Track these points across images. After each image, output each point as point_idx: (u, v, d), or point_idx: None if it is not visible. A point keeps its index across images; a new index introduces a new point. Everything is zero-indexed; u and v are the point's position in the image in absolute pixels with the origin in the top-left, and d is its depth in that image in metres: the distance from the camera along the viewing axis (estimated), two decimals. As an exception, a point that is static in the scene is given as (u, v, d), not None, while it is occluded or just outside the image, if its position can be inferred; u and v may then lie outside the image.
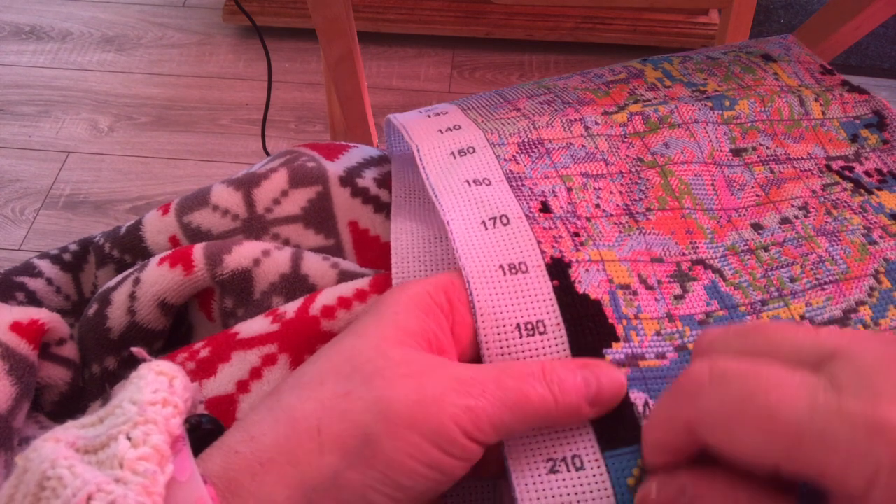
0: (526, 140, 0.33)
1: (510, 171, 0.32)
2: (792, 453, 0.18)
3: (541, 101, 0.37)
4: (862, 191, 0.33)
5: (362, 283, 0.30)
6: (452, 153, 0.33)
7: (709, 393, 0.20)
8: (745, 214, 0.32)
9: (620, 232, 0.30)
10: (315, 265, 0.32)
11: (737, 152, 0.35)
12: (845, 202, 0.33)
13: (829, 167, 0.35)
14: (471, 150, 0.33)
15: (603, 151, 0.33)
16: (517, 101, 0.37)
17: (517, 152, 0.33)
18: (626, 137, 0.34)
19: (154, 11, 1.29)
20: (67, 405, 0.32)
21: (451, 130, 0.34)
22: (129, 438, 0.19)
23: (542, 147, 0.33)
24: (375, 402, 0.22)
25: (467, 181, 0.31)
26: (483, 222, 0.29)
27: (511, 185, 0.31)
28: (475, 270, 0.27)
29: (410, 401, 0.22)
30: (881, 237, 0.31)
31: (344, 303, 0.30)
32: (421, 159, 0.32)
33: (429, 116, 0.36)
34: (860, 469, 0.17)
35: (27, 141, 1.11)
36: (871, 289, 0.29)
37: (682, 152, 0.34)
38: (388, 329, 0.24)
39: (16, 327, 0.29)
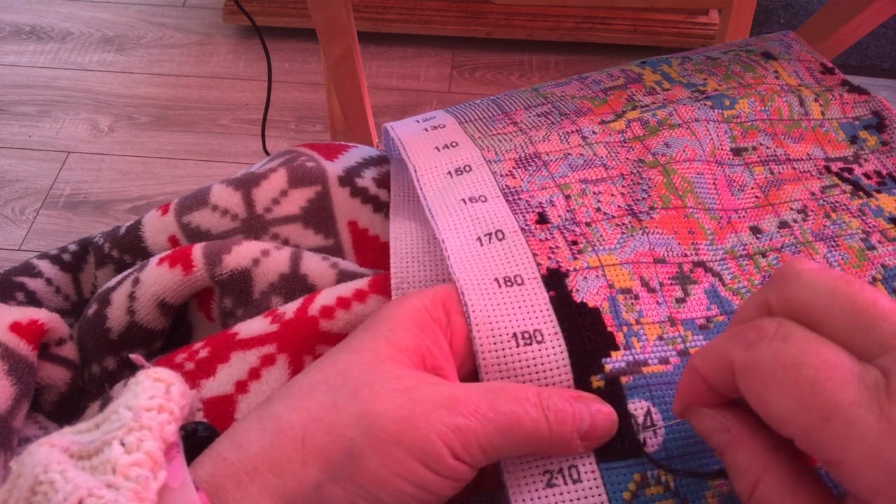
0: (522, 155, 0.33)
1: (506, 186, 0.32)
2: (814, 431, 0.18)
3: (538, 112, 0.37)
4: (861, 193, 0.33)
5: (361, 283, 0.30)
6: (449, 172, 0.33)
7: (765, 345, 0.19)
8: (744, 216, 0.32)
9: (623, 233, 0.30)
10: (314, 265, 0.32)
11: (737, 151, 0.34)
12: (844, 205, 0.33)
13: (828, 169, 0.34)
14: (467, 168, 0.33)
15: (602, 157, 0.33)
16: (514, 113, 0.37)
17: (514, 167, 0.33)
18: (625, 143, 0.34)
19: (154, 11, 1.29)
20: (67, 405, 0.32)
21: (448, 148, 0.34)
22: (122, 444, 0.19)
23: (538, 160, 0.33)
24: (362, 415, 0.22)
25: (463, 199, 0.31)
26: (478, 238, 0.29)
27: (507, 200, 0.31)
28: (469, 283, 0.27)
29: (398, 416, 0.21)
30: (880, 242, 0.31)
31: (343, 303, 0.30)
32: (418, 180, 0.32)
33: (426, 130, 0.36)
34: (876, 475, 0.17)
35: (27, 141, 1.11)
36: None
37: (684, 150, 0.34)
38: (380, 344, 0.24)
39: (15, 327, 0.29)
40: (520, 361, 0.25)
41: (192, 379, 0.29)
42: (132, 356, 0.25)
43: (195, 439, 0.23)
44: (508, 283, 0.27)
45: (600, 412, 0.24)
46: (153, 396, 0.20)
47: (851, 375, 0.18)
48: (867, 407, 0.17)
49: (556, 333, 0.26)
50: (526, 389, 0.24)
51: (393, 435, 0.21)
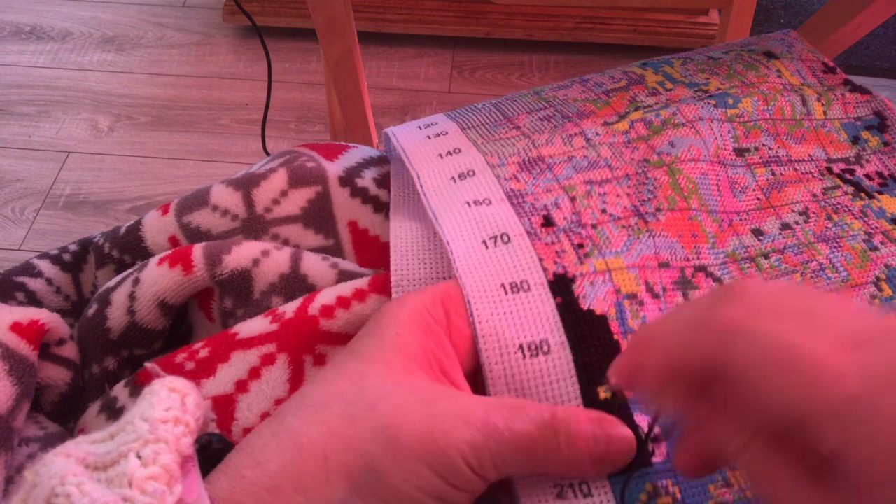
0: (526, 159, 0.33)
1: (511, 189, 0.31)
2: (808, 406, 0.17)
3: (540, 116, 0.37)
4: (863, 194, 0.33)
5: (361, 283, 0.30)
6: (453, 178, 0.33)
7: (743, 339, 0.19)
8: (746, 219, 0.32)
9: (629, 235, 0.30)
10: (314, 265, 0.32)
11: (740, 152, 0.34)
12: (846, 206, 0.33)
13: (829, 170, 0.34)
14: (471, 173, 0.33)
15: (606, 158, 0.33)
16: (517, 118, 0.37)
17: (518, 171, 0.32)
18: (629, 143, 0.34)
19: (154, 11, 1.29)
20: (67, 405, 0.32)
21: (451, 154, 0.34)
22: (139, 457, 0.19)
23: (542, 163, 0.33)
24: (382, 430, 0.22)
25: (467, 202, 0.31)
26: (484, 242, 0.29)
27: (512, 203, 0.31)
28: (476, 290, 0.27)
29: (419, 432, 0.21)
30: (882, 243, 0.31)
31: (343, 302, 0.30)
32: (422, 186, 0.32)
33: (429, 138, 0.36)
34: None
35: (27, 141, 1.11)
36: (873, 296, 0.29)
37: (689, 150, 0.33)
38: (392, 354, 0.24)
39: (16, 328, 0.29)
40: (526, 373, 0.25)
41: (193, 378, 0.29)
42: (148, 365, 0.25)
43: (209, 451, 0.23)
44: (515, 290, 0.27)
45: (618, 436, 0.23)
46: (169, 408, 0.20)
47: (833, 351, 0.18)
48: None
49: (562, 343, 0.26)
50: (543, 410, 0.23)
51: (414, 451, 0.21)
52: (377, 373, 0.23)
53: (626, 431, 0.24)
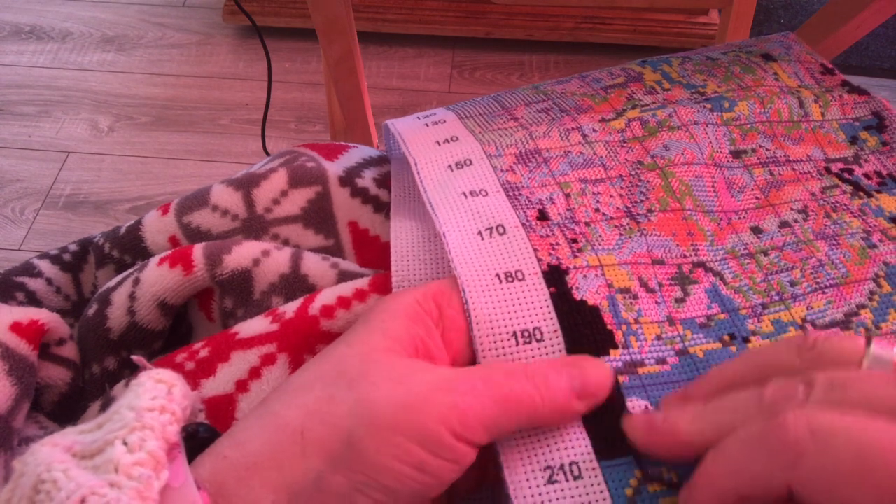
0: (523, 151, 0.33)
1: (507, 181, 0.32)
2: None
3: (538, 108, 0.37)
4: (861, 193, 0.33)
5: (362, 283, 0.30)
6: (450, 166, 0.33)
7: (814, 454, 0.18)
8: (744, 217, 0.32)
9: (621, 234, 0.30)
10: (315, 265, 0.32)
11: (736, 154, 0.35)
12: (844, 205, 0.33)
13: (828, 169, 0.35)
14: (468, 162, 0.33)
15: (601, 157, 0.33)
16: (515, 109, 0.37)
17: (514, 163, 0.33)
18: (624, 143, 0.34)
19: (154, 11, 1.29)
20: (68, 405, 0.32)
21: (448, 142, 0.34)
22: (125, 444, 0.19)
23: (539, 157, 0.33)
24: (358, 403, 0.22)
25: (464, 193, 0.31)
26: (479, 233, 0.29)
27: (508, 195, 0.31)
28: (470, 278, 0.27)
29: (395, 403, 0.22)
30: (881, 241, 0.31)
31: (343, 302, 0.30)
32: (419, 173, 0.32)
33: (427, 126, 0.36)
34: None
35: (27, 141, 1.11)
36: (872, 292, 0.29)
37: (683, 154, 0.34)
38: (375, 337, 0.24)
39: (16, 328, 0.29)
40: (519, 360, 0.26)
41: (193, 378, 0.29)
42: (134, 357, 0.25)
43: (196, 440, 0.23)
44: (509, 279, 0.27)
45: (592, 367, 0.24)
46: (155, 397, 0.20)
47: None
48: None
49: (555, 331, 0.26)
50: (514, 364, 0.24)
51: (390, 421, 0.21)
52: (358, 354, 0.24)
53: (599, 364, 0.25)
